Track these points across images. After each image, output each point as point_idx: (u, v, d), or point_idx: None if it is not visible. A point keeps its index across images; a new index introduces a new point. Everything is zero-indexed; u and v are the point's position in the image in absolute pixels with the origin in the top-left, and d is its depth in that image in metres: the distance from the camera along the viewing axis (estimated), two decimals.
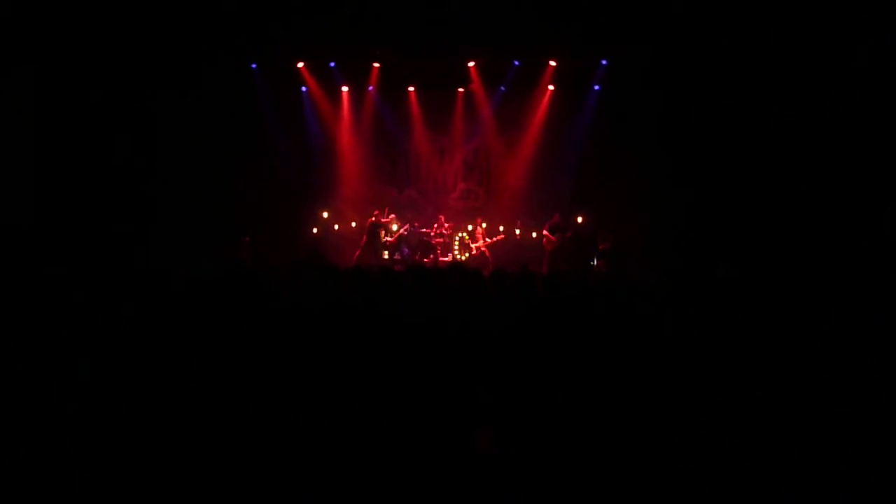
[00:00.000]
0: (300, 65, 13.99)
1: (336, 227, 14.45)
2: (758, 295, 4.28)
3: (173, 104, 12.12)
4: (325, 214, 14.26)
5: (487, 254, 13.23)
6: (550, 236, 13.21)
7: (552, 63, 13.70)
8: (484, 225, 13.77)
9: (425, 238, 14.15)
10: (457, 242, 14.32)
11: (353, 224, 14.37)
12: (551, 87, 14.14)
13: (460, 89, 14.50)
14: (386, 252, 13.79)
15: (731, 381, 2.86)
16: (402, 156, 15.24)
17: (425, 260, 13.81)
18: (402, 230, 13.66)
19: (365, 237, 13.61)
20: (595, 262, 12.95)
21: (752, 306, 3.91)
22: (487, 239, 13.48)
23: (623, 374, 3.01)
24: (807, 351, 3.04)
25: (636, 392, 2.85)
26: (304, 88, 14.52)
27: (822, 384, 2.76)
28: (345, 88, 14.56)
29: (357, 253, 13.48)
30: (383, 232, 13.96)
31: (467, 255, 13.87)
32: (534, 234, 13.99)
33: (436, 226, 14.17)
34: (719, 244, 10.93)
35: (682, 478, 2.37)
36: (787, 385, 2.79)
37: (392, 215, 13.92)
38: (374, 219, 13.58)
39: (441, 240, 14.01)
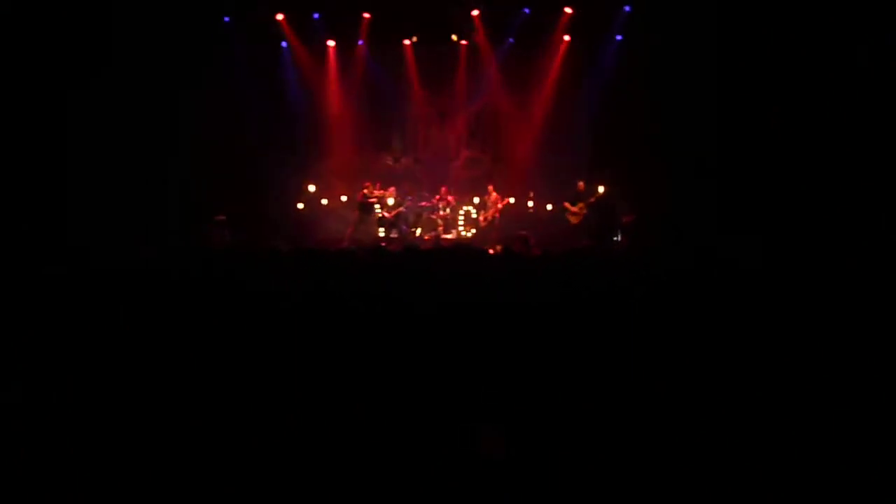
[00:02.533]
0: (279, 17, 13.75)
1: (324, 201, 14.30)
2: (780, 282, 4.32)
3: (132, 61, 11.77)
4: (312, 188, 14.06)
5: (497, 216, 13.32)
6: (572, 207, 13.11)
7: (567, 10, 13.51)
8: (493, 193, 13.71)
9: (426, 213, 14.02)
10: (461, 217, 14.15)
11: (344, 198, 14.20)
12: (567, 38, 13.95)
13: (463, 42, 14.25)
14: (381, 229, 13.60)
15: (747, 377, 2.99)
16: (397, 120, 15.05)
17: (426, 238, 13.65)
18: (401, 207, 13.51)
19: (356, 213, 13.53)
20: (619, 237, 12.82)
21: (775, 294, 4.01)
22: (499, 205, 13.51)
23: (633, 371, 3.12)
24: (825, 345, 3.18)
25: (646, 389, 2.97)
26: (283, 44, 14.27)
27: (839, 381, 2.90)
28: (330, 43, 14.32)
29: (349, 231, 13.33)
30: (378, 207, 13.79)
31: (474, 230, 13.72)
32: (548, 207, 13.86)
33: (437, 198, 14.01)
34: (751, 221, 11.00)
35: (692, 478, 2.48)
36: (803, 381, 2.94)
37: (391, 188, 13.76)
38: (365, 192, 13.43)
39: (444, 214, 13.86)
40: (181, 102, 12.48)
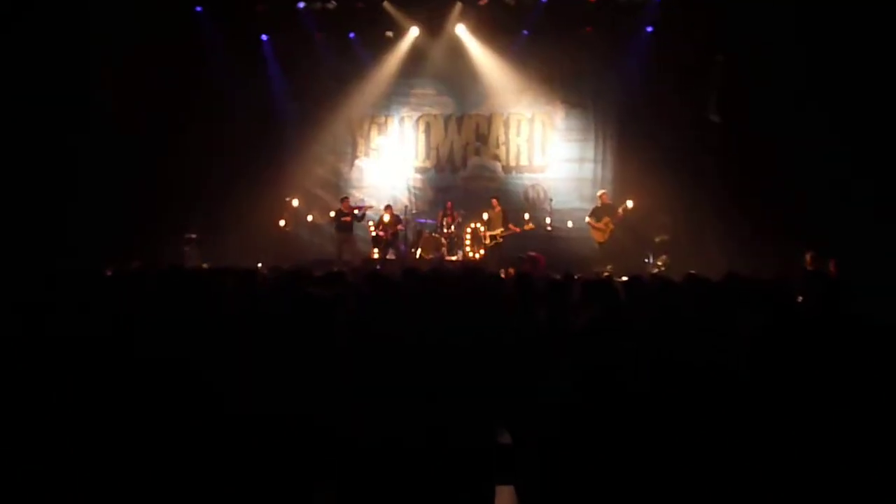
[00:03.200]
0: (259, 7, 13.89)
1: (310, 218, 14.40)
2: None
3: (93, 58, 11.93)
4: (296, 202, 14.16)
5: (501, 238, 13.18)
6: (596, 223, 13.08)
7: None
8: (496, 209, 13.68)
9: (427, 231, 14.09)
10: (468, 236, 14.22)
11: (333, 214, 14.32)
12: (588, 29, 14.04)
13: (467, 32, 14.42)
14: (376, 250, 13.73)
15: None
16: (394, 122, 15.27)
17: (427, 258, 13.77)
18: (399, 224, 13.57)
19: (337, 234, 13.62)
20: (651, 259, 12.89)
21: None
22: (512, 227, 13.34)
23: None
24: None
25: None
26: (264, 37, 14.51)
27: None
28: (318, 35, 14.50)
29: (337, 252, 13.43)
30: (371, 224, 13.90)
31: (482, 251, 13.76)
32: (569, 224, 13.91)
33: (441, 214, 14.09)
34: (810, 240, 10.98)
35: None
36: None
37: (385, 203, 13.83)
38: (342, 208, 13.58)
39: (448, 232, 13.94)
40: (147, 106, 12.68)
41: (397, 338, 3.72)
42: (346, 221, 13.51)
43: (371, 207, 14.01)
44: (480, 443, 3.21)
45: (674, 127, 13.06)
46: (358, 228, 14.02)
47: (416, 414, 3.17)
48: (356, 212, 13.60)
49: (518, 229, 13.34)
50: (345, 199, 13.68)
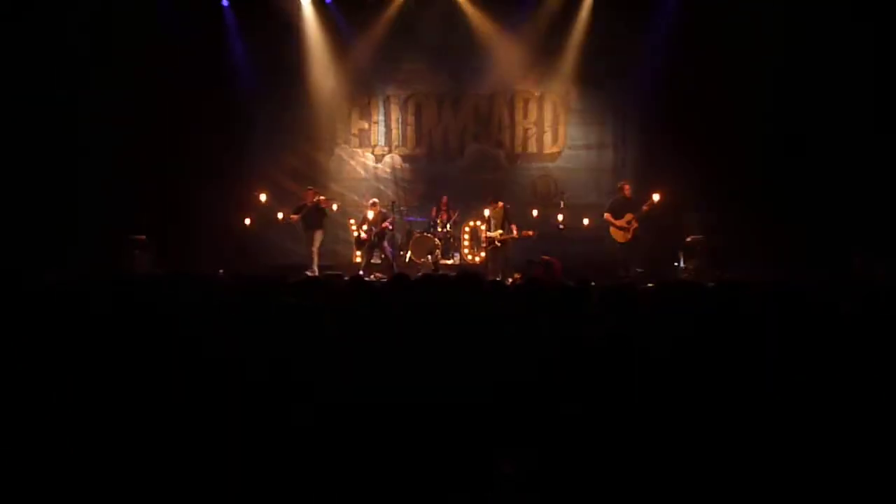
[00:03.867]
0: None
1: (280, 215, 14.37)
2: None
3: (28, 43, 12.03)
4: (263, 197, 14.10)
5: (500, 242, 13.00)
6: (616, 220, 13.03)
7: None
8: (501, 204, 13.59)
9: (418, 231, 14.07)
10: (466, 236, 14.24)
11: (335, 207, 14.24)
12: None
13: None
14: (359, 253, 13.71)
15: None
16: (379, 103, 15.25)
17: (418, 262, 13.75)
18: (385, 222, 13.51)
19: (308, 233, 13.55)
20: (682, 263, 12.91)
21: None
22: (514, 228, 13.24)
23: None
24: None
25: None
26: (224, 2, 14.56)
27: None
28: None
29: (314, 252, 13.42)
30: (353, 223, 13.89)
31: (483, 254, 13.74)
32: (585, 221, 13.87)
33: (434, 210, 14.11)
34: (861, 241, 11.07)
35: None
36: None
37: (371, 199, 13.80)
38: (314, 201, 13.50)
39: (443, 232, 13.92)
40: (92, 89, 12.74)
41: (382, 360, 3.74)
42: (313, 216, 13.50)
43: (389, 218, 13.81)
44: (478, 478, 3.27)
45: (707, 107, 13.07)
46: (337, 227, 14.03)
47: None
48: (387, 226, 13.51)
49: (511, 236, 13.19)
50: (309, 191, 13.59)
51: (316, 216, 13.47)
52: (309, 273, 12.51)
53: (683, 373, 3.62)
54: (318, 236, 13.48)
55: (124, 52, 13.13)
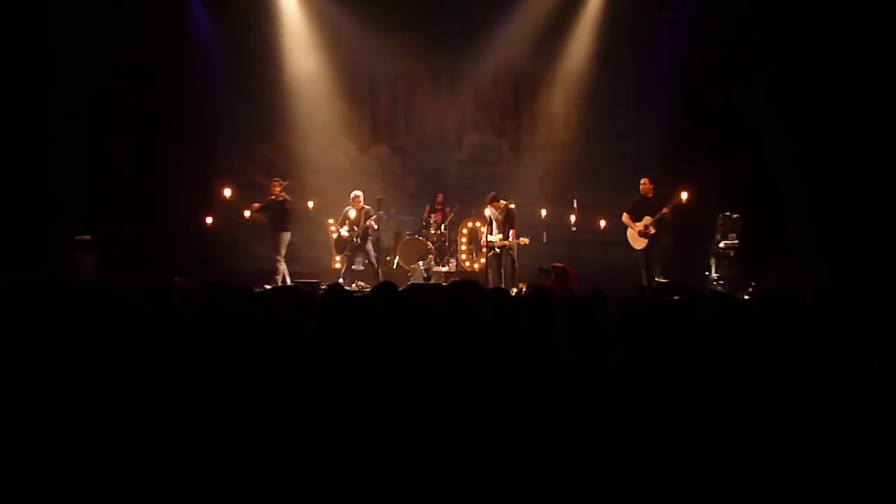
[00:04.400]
0: None
1: (247, 213, 14.38)
2: None
3: None
4: (228, 192, 14.13)
5: (511, 247, 13.03)
6: (634, 224, 13.02)
7: None
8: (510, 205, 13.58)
9: (409, 233, 14.10)
10: (464, 239, 14.18)
11: (311, 204, 14.28)
12: None
13: None
14: (338, 258, 13.70)
15: None
16: (362, 83, 15.34)
17: (407, 269, 13.69)
18: (370, 221, 13.47)
19: (273, 235, 13.41)
20: (713, 271, 12.90)
21: None
22: (513, 234, 13.22)
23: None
24: None
25: None
26: None
27: None
28: None
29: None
30: (332, 223, 13.85)
31: (482, 260, 13.72)
32: (601, 223, 13.90)
33: (427, 209, 14.17)
34: None
35: None
36: None
37: (355, 194, 13.79)
38: (275, 195, 13.37)
39: (437, 234, 13.94)
40: (31, 68, 12.71)
41: (365, 384, 3.76)
42: (278, 214, 13.39)
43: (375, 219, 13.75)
44: None
45: (743, 91, 13.05)
46: (313, 227, 13.99)
47: None
48: (372, 226, 13.39)
49: (513, 239, 13.01)
50: (274, 182, 13.51)
51: (281, 214, 13.37)
52: (278, 279, 12.48)
53: (719, 405, 3.61)
54: (285, 239, 13.35)
55: (68, 26, 13.06)
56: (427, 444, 3.50)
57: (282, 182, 13.51)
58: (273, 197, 13.32)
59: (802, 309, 4.73)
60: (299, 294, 6.07)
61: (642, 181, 13.23)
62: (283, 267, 13.16)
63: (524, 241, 12.93)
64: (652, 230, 12.79)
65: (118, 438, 3.54)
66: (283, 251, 13.29)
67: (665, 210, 12.64)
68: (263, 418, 3.70)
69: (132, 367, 3.93)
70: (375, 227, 13.55)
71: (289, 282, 12.58)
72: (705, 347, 4.39)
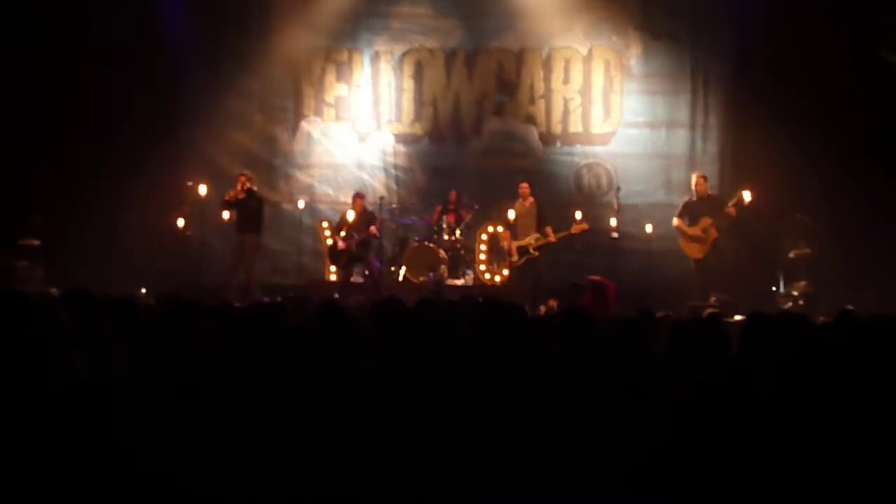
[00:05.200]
0: None
1: (226, 215, 14.44)
2: None
3: None
4: (203, 190, 14.18)
5: (532, 252, 12.99)
6: (689, 228, 12.97)
7: None
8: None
9: (417, 239, 14.16)
10: (484, 246, 14.28)
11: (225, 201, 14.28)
12: None
13: None
14: (333, 268, 13.80)
15: None
16: (363, 61, 15.37)
17: (417, 282, 13.78)
18: (372, 225, 13.49)
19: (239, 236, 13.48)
20: (782, 287, 12.93)
21: None
22: (550, 231, 13.23)
23: None
24: None
25: None
26: None
27: None
28: None
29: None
30: (326, 227, 13.95)
31: (505, 272, 13.78)
32: (648, 228, 13.91)
33: (440, 210, 14.18)
34: None
35: None
36: None
37: (357, 194, 13.81)
38: (240, 188, 13.33)
39: (451, 240, 13.99)
40: None
41: (365, 421, 3.80)
42: (246, 213, 13.43)
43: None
44: None
45: (820, 73, 13.10)
46: (303, 231, 14.05)
47: None
48: (374, 232, 13.46)
49: (555, 237, 13.19)
50: (241, 176, 13.48)
51: (252, 213, 13.43)
52: (238, 293, 12.48)
53: (790, 448, 3.61)
54: (251, 243, 13.45)
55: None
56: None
57: (249, 175, 13.54)
58: (242, 194, 13.34)
59: (886, 330, 4.77)
60: (284, 309, 6.15)
61: (695, 178, 13.26)
62: (245, 277, 13.24)
63: (581, 227, 13.06)
64: (712, 235, 12.78)
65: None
66: (250, 260, 13.40)
67: (729, 210, 12.64)
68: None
69: (83, 399, 3.93)
70: (377, 234, 13.61)
71: (261, 297, 12.45)
72: (774, 380, 4.43)
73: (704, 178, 13.21)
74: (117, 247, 13.49)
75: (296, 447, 3.72)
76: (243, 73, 15.11)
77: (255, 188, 13.48)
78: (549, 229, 13.19)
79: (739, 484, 3.53)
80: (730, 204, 12.73)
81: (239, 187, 13.31)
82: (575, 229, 13.04)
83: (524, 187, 13.58)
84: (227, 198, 13.38)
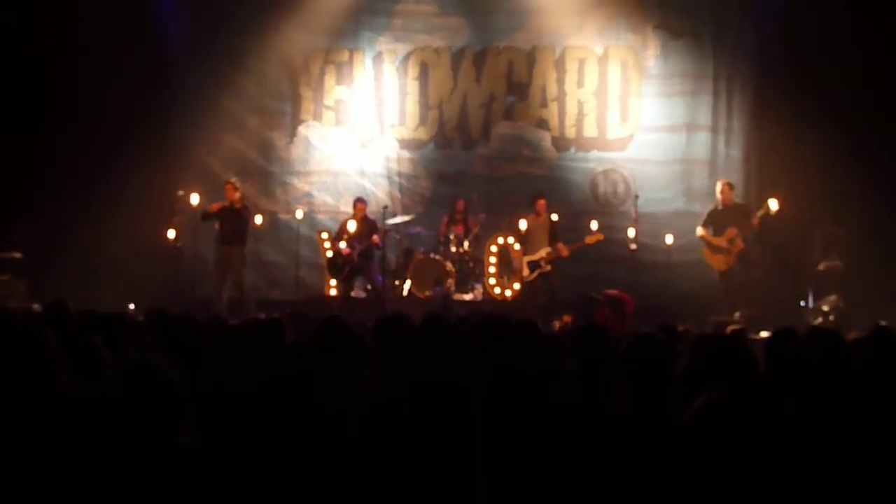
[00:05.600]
0: None
1: (218, 227, 14.47)
2: None
3: None
4: (194, 199, 14.18)
5: (544, 266, 12.96)
6: (714, 239, 12.94)
7: None
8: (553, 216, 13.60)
9: (422, 251, 14.17)
10: (493, 258, 14.25)
11: (259, 219, 14.32)
12: None
13: None
14: (333, 281, 13.83)
15: None
16: (364, 61, 15.39)
17: (422, 297, 13.78)
18: (374, 236, 13.49)
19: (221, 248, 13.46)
20: (810, 301, 12.90)
21: None
22: (561, 247, 13.23)
23: None
24: None
25: None
26: None
27: None
28: None
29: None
30: (326, 239, 13.95)
31: (517, 285, 13.75)
32: (668, 239, 13.91)
33: (447, 220, 14.22)
34: None
35: None
36: None
37: (358, 199, 13.82)
38: (233, 200, 13.30)
39: (458, 252, 14.00)
40: None
41: (367, 446, 3.84)
42: (231, 224, 13.40)
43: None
44: None
45: (853, 71, 13.11)
46: (301, 242, 14.07)
47: None
48: (376, 242, 13.42)
49: (567, 250, 13.17)
50: (228, 185, 13.44)
51: (241, 224, 13.42)
52: (223, 308, 12.44)
53: (824, 473, 3.58)
54: (238, 256, 13.43)
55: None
56: None
57: (235, 183, 13.47)
58: (231, 203, 13.29)
59: None
60: (281, 325, 6.15)
61: (721, 186, 13.24)
62: (234, 293, 13.23)
63: (596, 237, 13.01)
64: (738, 246, 12.76)
65: None
66: (237, 276, 13.38)
67: (756, 220, 12.62)
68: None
69: (69, 421, 3.94)
70: (380, 244, 13.59)
71: (256, 312, 12.42)
72: (805, 400, 4.42)
73: (730, 185, 13.19)
74: (104, 259, 13.48)
75: (290, 474, 3.75)
76: (238, 74, 15.15)
77: (242, 197, 13.41)
78: (560, 245, 13.18)
79: None
80: (757, 215, 12.74)
81: (238, 196, 13.26)
82: (589, 240, 13.06)
83: (541, 204, 13.53)
84: (211, 210, 13.31)
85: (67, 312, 5.99)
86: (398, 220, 14.42)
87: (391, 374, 4.66)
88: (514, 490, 3.71)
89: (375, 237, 13.34)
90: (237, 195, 13.27)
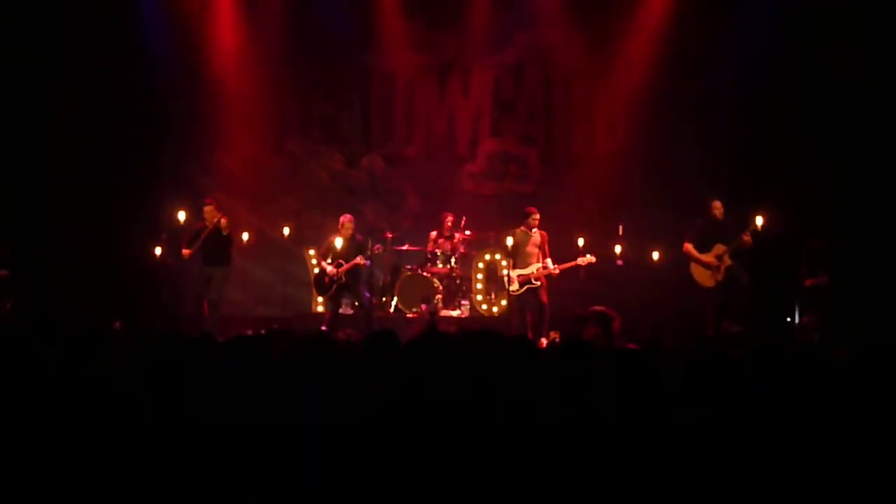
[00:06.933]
0: None
1: (199, 249, 14.46)
2: None
3: None
4: (182, 216, 14.16)
5: (543, 281, 12.92)
6: (703, 256, 12.94)
7: None
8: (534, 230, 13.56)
9: (410, 268, 14.18)
10: (480, 275, 14.30)
11: (246, 237, 14.29)
12: None
13: None
14: (321, 299, 13.81)
15: None
16: (356, 81, 15.44)
17: (410, 315, 13.80)
18: (361, 255, 13.41)
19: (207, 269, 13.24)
20: (796, 317, 12.90)
21: None
22: (550, 265, 13.21)
23: None
24: None
25: None
26: None
27: None
28: None
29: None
30: (313, 256, 13.95)
31: (503, 302, 13.75)
32: (655, 255, 13.90)
33: (434, 236, 14.21)
34: None
35: None
36: None
37: (345, 216, 13.81)
38: (214, 221, 13.08)
39: (445, 269, 14.01)
40: None
41: (356, 466, 3.88)
42: (215, 245, 13.19)
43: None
44: None
45: (840, 84, 13.13)
46: (287, 259, 14.07)
47: None
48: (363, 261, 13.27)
49: (557, 269, 13.04)
50: (209, 205, 13.33)
51: (225, 244, 13.26)
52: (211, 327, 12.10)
53: (811, 489, 3.68)
54: (220, 277, 13.27)
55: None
56: None
57: (217, 202, 13.28)
58: (208, 224, 13.13)
59: None
60: (267, 342, 6.14)
61: (713, 203, 13.21)
62: (213, 314, 13.06)
63: (588, 259, 12.94)
64: (726, 262, 12.75)
65: None
66: (217, 296, 13.18)
67: (745, 236, 12.60)
68: None
69: (54, 439, 4.05)
70: (367, 261, 13.54)
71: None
72: (789, 415, 4.44)
73: (720, 201, 13.18)
74: (87, 276, 13.38)
75: (287, 490, 3.76)
76: (224, 91, 15.11)
77: (224, 215, 13.13)
78: (546, 262, 13.12)
79: None
80: (745, 234, 12.73)
81: (219, 218, 12.99)
82: (582, 262, 12.95)
83: (535, 218, 13.33)
84: (201, 237, 13.06)
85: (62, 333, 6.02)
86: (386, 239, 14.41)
87: (379, 391, 4.65)
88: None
89: (360, 258, 13.24)
90: (217, 215, 13.00)
